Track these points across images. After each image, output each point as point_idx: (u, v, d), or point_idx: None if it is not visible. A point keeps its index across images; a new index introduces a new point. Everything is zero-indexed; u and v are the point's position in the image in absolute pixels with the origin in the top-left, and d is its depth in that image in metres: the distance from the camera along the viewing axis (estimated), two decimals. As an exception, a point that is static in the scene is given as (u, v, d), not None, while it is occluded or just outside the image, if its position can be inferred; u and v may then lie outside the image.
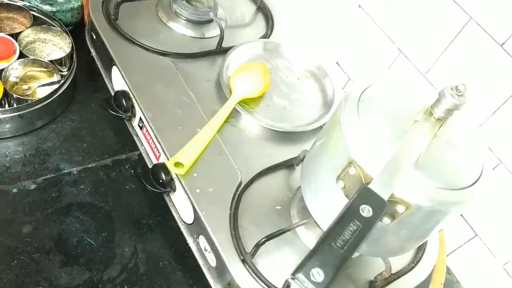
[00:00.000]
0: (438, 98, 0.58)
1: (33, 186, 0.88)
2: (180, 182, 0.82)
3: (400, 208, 0.58)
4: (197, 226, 0.81)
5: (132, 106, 0.93)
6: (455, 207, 0.62)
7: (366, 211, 0.51)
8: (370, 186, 0.53)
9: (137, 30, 1.02)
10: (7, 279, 0.76)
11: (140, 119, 0.92)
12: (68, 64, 1.02)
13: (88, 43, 1.06)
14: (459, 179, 0.62)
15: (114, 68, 0.97)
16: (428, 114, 0.61)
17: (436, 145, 0.61)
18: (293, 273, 0.46)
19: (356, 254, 0.82)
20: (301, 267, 0.46)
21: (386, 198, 0.53)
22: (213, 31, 1.10)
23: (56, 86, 0.95)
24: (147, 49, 0.99)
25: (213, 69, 1.02)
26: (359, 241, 0.48)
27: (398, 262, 0.85)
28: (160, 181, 0.84)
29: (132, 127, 0.96)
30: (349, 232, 0.48)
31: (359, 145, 0.61)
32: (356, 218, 0.50)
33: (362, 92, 0.67)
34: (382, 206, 0.52)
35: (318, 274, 0.45)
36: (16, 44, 0.97)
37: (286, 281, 0.46)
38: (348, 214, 0.49)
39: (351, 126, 0.62)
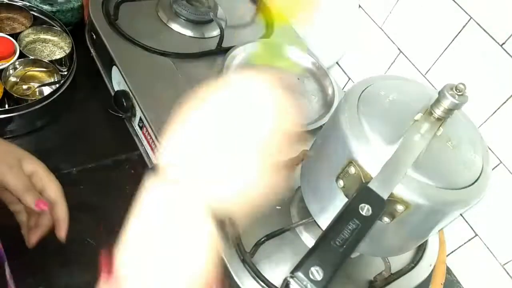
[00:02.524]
0: (438, 98, 0.59)
1: (33, 186, 0.88)
2: (180, 182, 0.82)
3: (399, 208, 0.58)
4: (197, 226, 0.80)
5: (132, 106, 0.93)
6: (455, 207, 0.62)
7: (365, 210, 0.51)
8: (369, 185, 0.53)
9: (137, 30, 1.02)
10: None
11: (140, 119, 0.92)
12: (68, 64, 1.01)
13: (88, 43, 1.06)
14: (458, 179, 0.62)
15: (114, 68, 0.97)
16: (428, 114, 0.61)
17: (435, 145, 0.61)
18: (292, 272, 0.46)
19: (356, 254, 0.82)
20: (300, 266, 0.46)
21: (385, 197, 0.53)
22: (213, 31, 1.10)
23: (56, 86, 0.95)
24: (147, 49, 0.99)
25: (213, 69, 1.02)
26: (358, 240, 0.48)
27: (398, 262, 0.85)
28: (160, 181, 0.84)
29: (132, 127, 0.96)
30: (348, 231, 0.48)
31: (359, 144, 0.61)
32: (355, 217, 0.50)
33: (362, 92, 0.67)
34: (382, 205, 0.52)
35: (317, 273, 0.45)
36: (16, 44, 0.97)
37: (285, 279, 0.46)
38: (348, 213, 0.49)
39: (351, 125, 0.62)
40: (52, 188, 0.71)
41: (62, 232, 0.71)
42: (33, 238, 0.71)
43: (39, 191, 0.71)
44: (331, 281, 0.45)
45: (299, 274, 0.46)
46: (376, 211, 0.51)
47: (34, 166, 0.71)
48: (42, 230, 0.72)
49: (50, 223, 0.72)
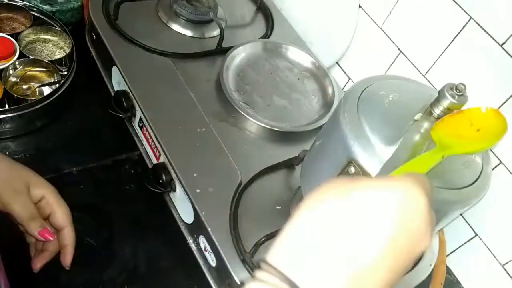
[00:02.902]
0: (438, 98, 0.58)
1: (33, 186, 0.88)
2: (180, 182, 0.82)
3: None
4: (197, 226, 0.81)
5: (132, 106, 0.93)
6: (454, 207, 0.62)
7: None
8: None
9: (137, 30, 1.02)
10: (8, 279, 0.76)
11: (140, 119, 0.92)
12: (68, 64, 1.01)
13: (88, 43, 1.06)
14: (458, 179, 0.62)
15: (114, 68, 0.97)
16: (428, 114, 0.61)
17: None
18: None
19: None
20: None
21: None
22: (213, 31, 1.10)
23: (56, 86, 0.95)
24: (147, 49, 0.99)
25: (213, 69, 1.02)
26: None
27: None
28: (160, 181, 0.84)
29: (132, 127, 0.96)
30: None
31: (359, 144, 0.61)
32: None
33: (362, 92, 0.67)
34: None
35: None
36: (16, 44, 0.97)
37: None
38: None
39: (350, 125, 0.62)
40: (60, 213, 0.71)
41: (67, 259, 0.71)
42: (37, 264, 0.71)
43: (47, 216, 0.71)
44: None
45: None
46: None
47: (43, 191, 0.70)
48: (47, 256, 0.71)
49: (56, 248, 0.71)
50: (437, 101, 0.58)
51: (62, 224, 0.70)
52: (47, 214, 0.70)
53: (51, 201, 0.70)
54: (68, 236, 0.71)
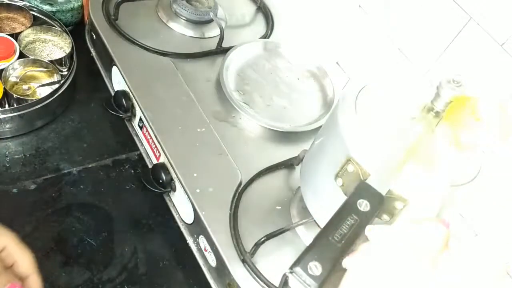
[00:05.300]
0: (437, 92, 0.58)
1: (33, 186, 0.88)
2: (180, 182, 0.82)
3: (398, 205, 0.58)
4: (197, 226, 0.81)
5: (132, 106, 0.93)
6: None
7: (363, 205, 0.51)
8: (367, 181, 0.53)
9: (137, 30, 1.02)
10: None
11: (140, 119, 0.92)
12: (68, 64, 1.02)
13: (88, 43, 1.07)
14: (457, 176, 0.61)
15: (114, 68, 0.97)
16: (426, 111, 0.60)
17: (433, 142, 0.61)
18: (291, 267, 0.46)
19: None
20: (299, 261, 0.46)
21: (383, 192, 0.53)
22: (213, 31, 1.10)
23: (56, 86, 0.95)
24: (147, 49, 1.00)
25: (213, 69, 1.02)
26: (356, 235, 0.48)
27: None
28: (160, 181, 0.84)
29: (132, 127, 0.96)
30: (347, 227, 0.48)
31: (357, 142, 0.61)
32: (353, 213, 0.50)
33: (360, 90, 0.67)
34: (380, 200, 0.52)
35: (315, 268, 0.45)
36: (16, 44, 0.97)
37: (284, 274, 0.46)
38: (346, 209, 0.49)
39: (348, 123, 0.62)
40: (24, 262, 0.68)
41: None
42: None
43: (9, 266, 0.68)
44: (329, 276, 0.45)
45: (298, 269, 0.46)
46: (374, 206, 0.51)
47: (4, 240, 0.67)
48: None
49: None
50: (437, 96, 0.58)
51: (27, 273, 0.68)
52: (10, 264, 0.68)
53: (13, 250, 0.67)
54: (34, 285, 0.68)
